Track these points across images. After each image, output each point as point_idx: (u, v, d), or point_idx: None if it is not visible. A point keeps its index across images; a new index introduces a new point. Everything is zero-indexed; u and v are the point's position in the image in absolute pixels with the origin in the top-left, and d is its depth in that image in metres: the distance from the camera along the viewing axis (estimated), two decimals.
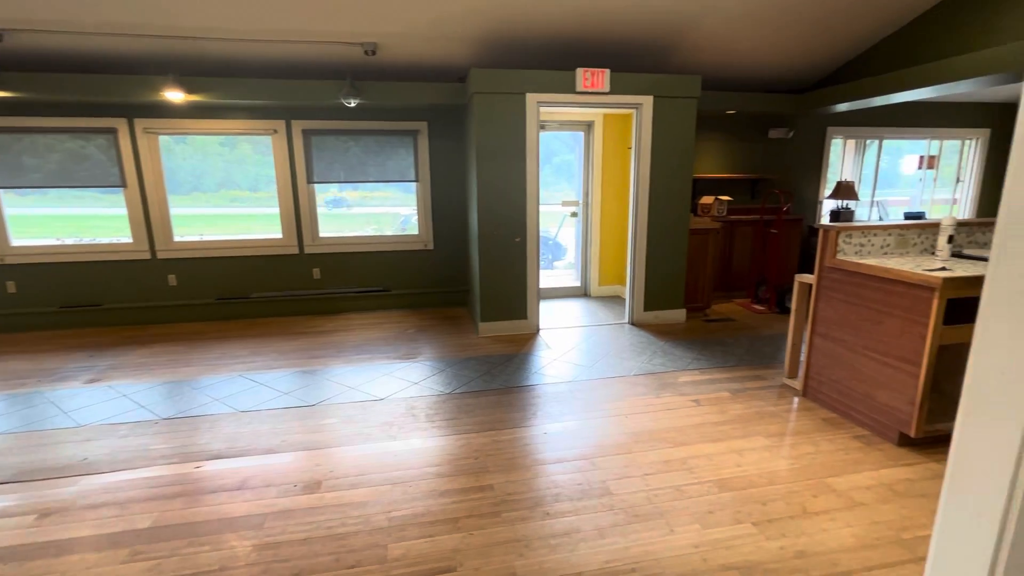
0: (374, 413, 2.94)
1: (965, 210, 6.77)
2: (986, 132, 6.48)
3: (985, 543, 1.21)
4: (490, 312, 4.31)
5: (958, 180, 6.76)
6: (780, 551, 1.82)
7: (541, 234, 6.96)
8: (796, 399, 3.03)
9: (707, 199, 5.17)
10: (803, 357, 3.08)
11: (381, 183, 5.08)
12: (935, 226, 2.87)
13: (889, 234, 2.83)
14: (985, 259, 2.57)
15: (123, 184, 4.56)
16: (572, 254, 5.90)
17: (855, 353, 2.68)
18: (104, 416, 2.94)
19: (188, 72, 4.27)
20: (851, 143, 6.30)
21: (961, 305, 2.47)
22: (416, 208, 5.18)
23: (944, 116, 6.29)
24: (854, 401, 2.71)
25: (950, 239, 2.62)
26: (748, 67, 4.83)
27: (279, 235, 4.95)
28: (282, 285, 5.03)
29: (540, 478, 2.29)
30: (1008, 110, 6.39)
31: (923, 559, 1.74)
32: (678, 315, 4.65)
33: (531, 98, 3.98)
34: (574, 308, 5.20)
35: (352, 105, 4.30)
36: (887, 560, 1.78)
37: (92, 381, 3.45)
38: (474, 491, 2.21)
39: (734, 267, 5.43)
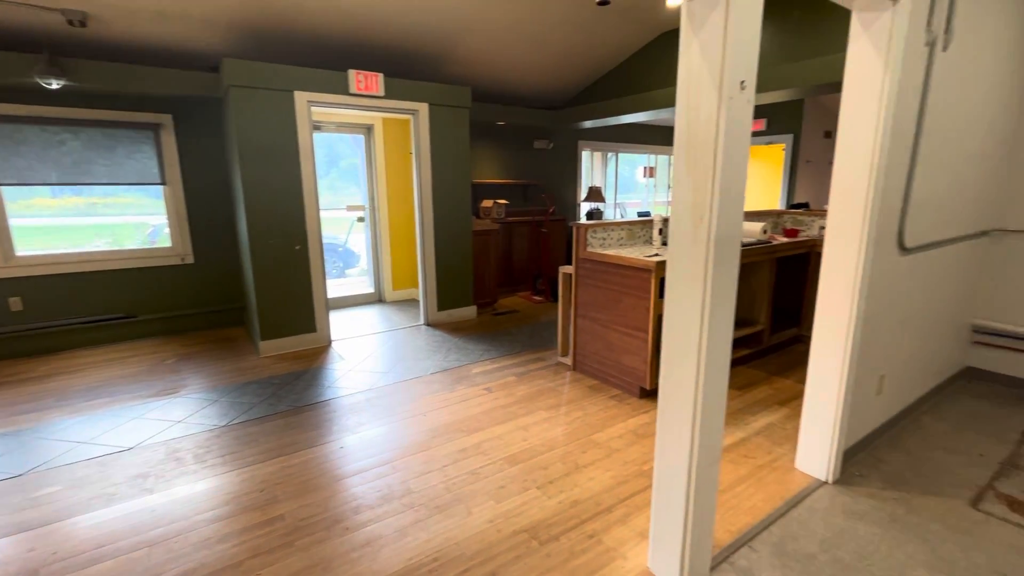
0: (119, 467, 2.40)
1: None
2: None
3: (683, 451, 1.60)
4: (271, 329, 3.91)
5: (669, 186, 8.70)
6: (559, 505, 2.11)
7: (329, 241, 6.59)
8: (568, 373, 3.52)
9: (487, 202, 5.59)
10: (571, 337, 3.59)
11: (117, 186, 4.14)
12: (651, 222, 3.65)
13: (622, 229, 3.50)
14: None
15: None
16: (365, 260, 5.73)
17: (606, 328, 3.25)
18: None
19: None
20: (598, 155, 7.56)
21: None
22: (167, 216, 4.37)
23: (658, 136, 8.02)
24: (609, 368, 3.28)
25: (660, 231, 3.37)
26: (512, 83, 5.38)
27: None
28: None
29: (338, 495, 2.19)
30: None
31: None
32: (469, 312, 4.94)
33: (300, 96, 3.73)
34: (369, 315, 5.07)
35: (54, 87, 3.41)
36: (635, 489, 2.21)
37: None
38: (261, 526, 1.99)
39: (515, 263, 6.00)
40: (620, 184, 8.16)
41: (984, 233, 3.09)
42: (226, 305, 4.69)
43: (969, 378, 3.35)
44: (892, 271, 2.30)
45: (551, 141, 6.65)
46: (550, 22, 4.19)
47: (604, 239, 3.39)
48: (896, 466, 2.36)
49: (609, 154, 7.68)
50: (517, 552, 1.84)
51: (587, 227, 3.28)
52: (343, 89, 3.89)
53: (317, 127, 4.92)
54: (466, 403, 3.06)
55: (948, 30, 2.13)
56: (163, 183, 4.28)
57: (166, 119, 4.19)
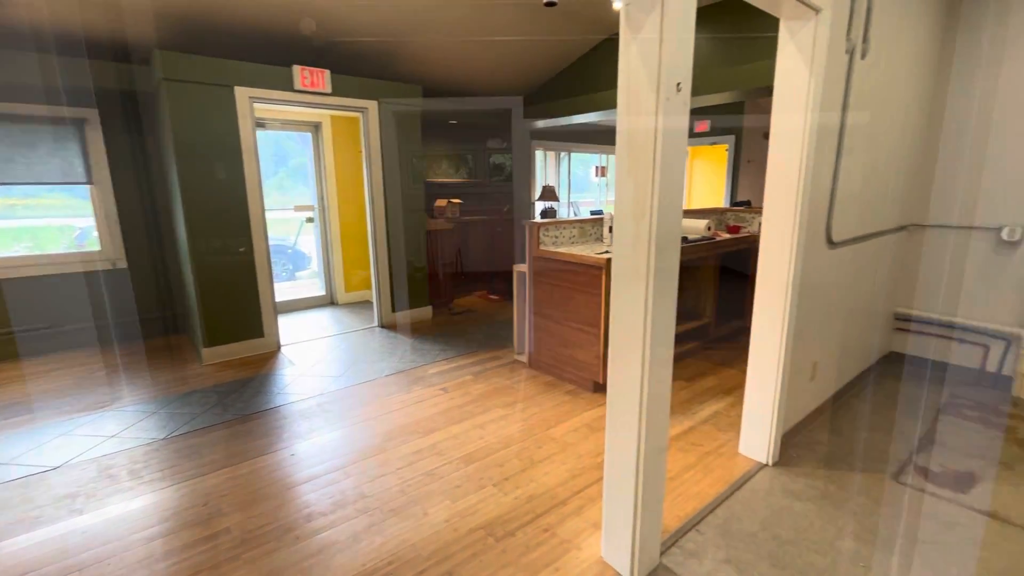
0: (44, 488, 2.23)
1: None
2: None
3: (631, 442, 1.65)
4: (215, 335, 3.73)
5: None
6: (515, 501, 2.13)
7: (277, 242, 6.36)
8: (524, 370, 3.55)
9: (441, 202, 5.56)
10: (526, 334, 3.63)
11: (39, 186, 3.83)
12: (602, 220, 3.73)
13: (574, 227, 3.56)
14: None
15: None
16: (315, 262, 5.56)
17: (560, 325, 3.30)
18: None
19: None
20: (551, 154, 7.65)
21: None
22: (95, 218, 4.09)
23: (609, 136, 8.20)
24: (563, 363, 3.34)
25: (611, 229, 3.45)
26: (464, 82, 5.36)
27: None
28: None
29: (288, 503, 2.12)
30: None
31: None
32: (425, 312, 4.89)
33: (241, 92, 3.58)
34: (321, 318, 4.93)
35: None
36: (589, 481, 2.26)
37: None
38: (204, 541, 1.90)
39: (471, 262, 5.98)
40: (573, 183, 8.29)
41: (902, 227, 3.34)
42: (165, 311, 4.44)
43: (892, 362, 3.62)
44: (822, 264, 2.45)
45: (505, 140, 6.67)
46: (498, 22, 4.20)
47: (556, 237, 3.44)
48: (828, 446, 2.52)
49: (562, 154, 7.79)
50: (474, 550, 1.85)
51: (540, 225, 3.31)
52: (288, 85, 3.77)
53: (261, 124, 4.74)
54: (422, 404, 3.03)
55: (866, 39, 2.29)
56: (90, 183, 4.00)
57: (91, 114, 3.92)
